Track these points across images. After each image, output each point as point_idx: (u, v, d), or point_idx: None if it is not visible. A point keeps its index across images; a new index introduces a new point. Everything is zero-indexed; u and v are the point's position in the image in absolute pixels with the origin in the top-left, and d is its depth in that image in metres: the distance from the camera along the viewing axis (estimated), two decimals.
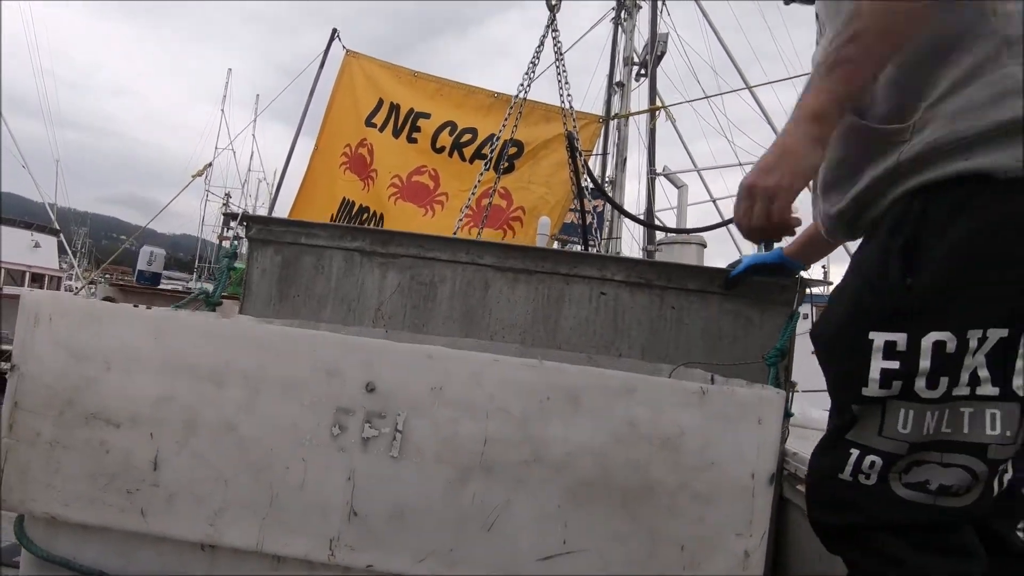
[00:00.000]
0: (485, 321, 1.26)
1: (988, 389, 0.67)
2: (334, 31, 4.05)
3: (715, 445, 0.61)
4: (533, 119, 3.10)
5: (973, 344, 0.67)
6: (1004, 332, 0.67)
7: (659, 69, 9.44)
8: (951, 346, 0.67)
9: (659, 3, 8.05)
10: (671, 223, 6.92)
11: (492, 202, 2.73)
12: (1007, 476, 0.71)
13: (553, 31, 2.20)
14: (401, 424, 0.64)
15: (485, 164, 3.07)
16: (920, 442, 0.68)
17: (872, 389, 0.69)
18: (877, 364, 0.69)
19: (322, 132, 3.94)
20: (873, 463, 0.69)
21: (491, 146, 3.33)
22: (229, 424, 0.65)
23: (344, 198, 3.84)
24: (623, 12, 9.56)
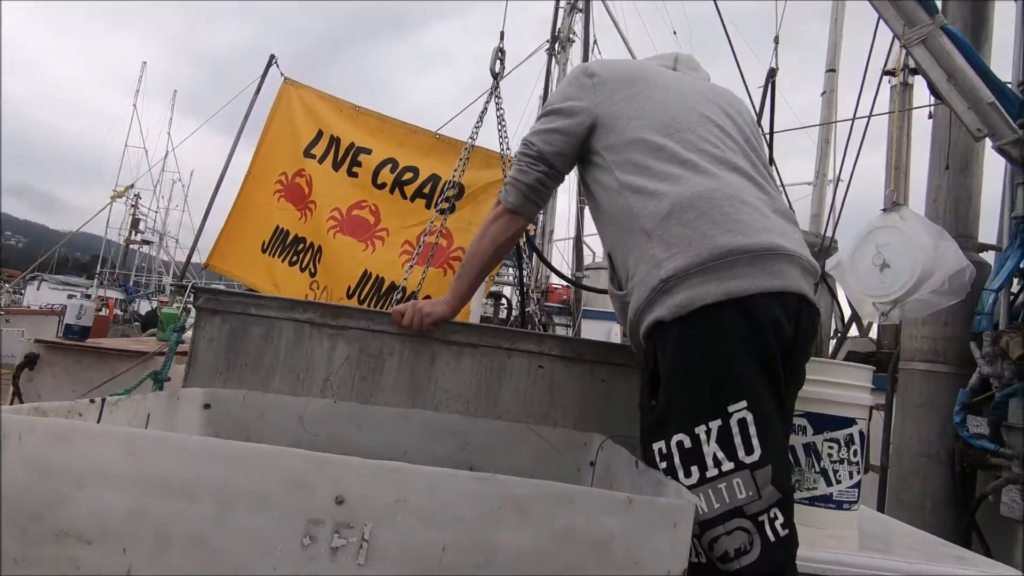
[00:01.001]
0: (431, 391, 1.34)
1: (727, 465, 0.93)
2: (272, 57, 4.00)
3: (638, 547, 0.72)
4: (475, 163, 3.20)
5: (703, 437, 0.94)
6: (719, 422, 0.94)
7: None
8: (687, 442, 0.95)
9: (591, 42, 8.44)
10: (598, 247, 7.22)
11: (437, 242, 2.80)
12: (778, 523, 0.94)
13: (496, 98, 2.32)
14: (368, 534, 0.71)
15: (438, 206, 3.14)
16: (705, 520, 0.92)
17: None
18: (659, 466, 0.98)
19: (256, 158, 3.87)
20: (695, 543, 0.92)
21: (432, 185, 3.42)
22: (201, 537, 0.69)
23: (278, 226, 3.78)
24: (557, 45, 9.91)
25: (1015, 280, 2.35)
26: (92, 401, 0.92)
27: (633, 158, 1.12)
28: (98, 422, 0.93)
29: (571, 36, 10.96)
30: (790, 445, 1.33)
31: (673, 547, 0.72)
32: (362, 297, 3.40)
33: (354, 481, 0.72)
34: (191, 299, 1.31)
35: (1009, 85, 2.39)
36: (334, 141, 3.64)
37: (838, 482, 1.31)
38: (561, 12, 9.14)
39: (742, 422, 0.94)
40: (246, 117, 4.02)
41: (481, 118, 2.38)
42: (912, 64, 2.79)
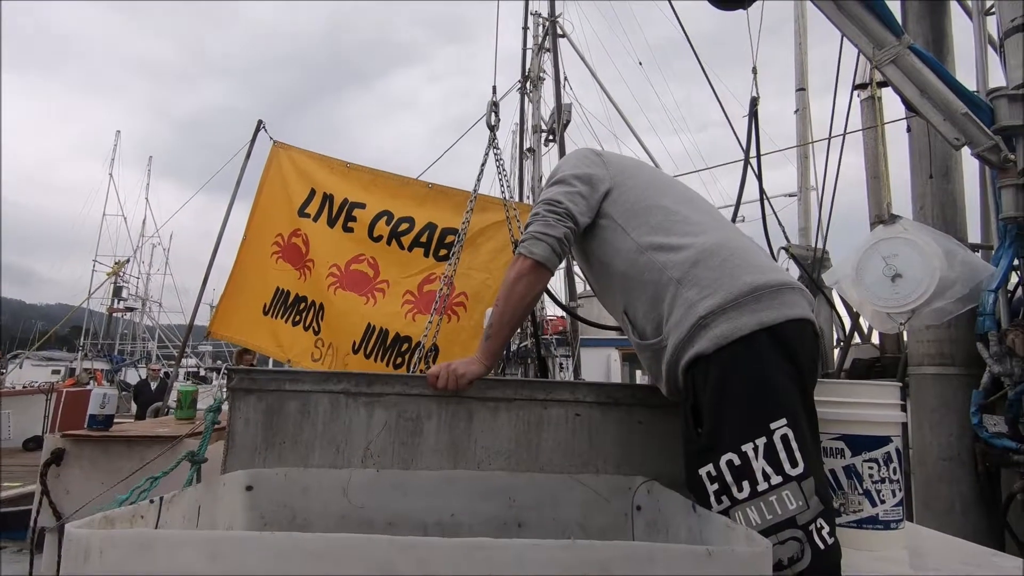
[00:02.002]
0: (471, 451, 1.34)
1: (775, 479, 1.02)
2: (260, 123, 4.08)
3: None
4: (482, 212, 3.25)
5: (751, 454, 1.03)
6: (764, 439, 1.03)
7: (566, 135, 10.04)
8: (737, 460, 1.04)
9: (562, 78, 8.69)
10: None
11: (442, 292, 2.82)
12: (825, 532, 1.01)
13: (495, 149, 2.39)
14: None
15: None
16: (759, 531, 0.94)
17: (716, 507, 1.05)
18: (710, 489, 1.06)
19: (251, 222, 3.90)
20: None
21: (428, 234, 3.46)
22: None
23: (278, 287, 3.79)
24: (528, 83, 10.18)
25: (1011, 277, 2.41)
26: (151, 501, 0.91)
27: (651, 221, 1.28)
28: (157, 521, 0.92)
29: (541, 75, 11.27)
30: (831, 468, 1.34)
31: None
32: (368, 351, 3.39)
33: (440, 562, 0.72)
34: (224, 380, 1.30)
35: (977, 94, 2.51)
36: (327, 198, 3.68)
37: (882, 502, 1.32)
38: (530, 54, 9.42)
39: (784, 438, 1.03)
40: (238, 182, 4.07)
41: (482, 169, 2.43)
42: (880, 78, 2.91)
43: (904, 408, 1.41)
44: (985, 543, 1.77)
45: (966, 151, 2.49)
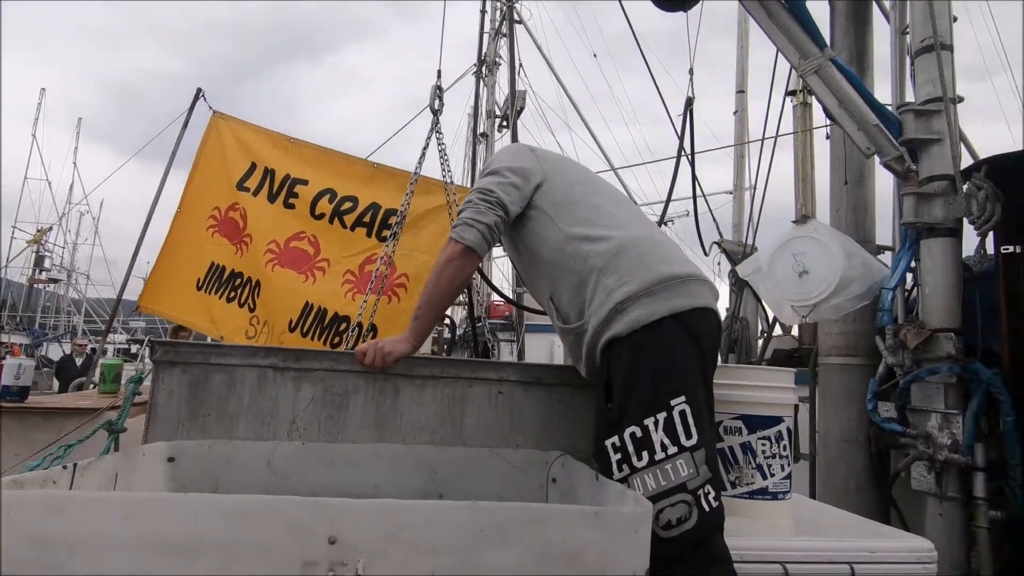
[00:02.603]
0: (397, 425, 1.39)
1: (671, 449, 1.14)
2: (199, 91, 3.93)
3: (608, 553, 0.82)
4: (416, 190, 3.26)
5: (651, 427, 1.15)
6: (664, 414, 1.15)
7: (519, 122, 10.08)
8: (639, 432, 1.15)
9: (517, 65, 8.70)
10: None
11: (379, 271, 2.83)
12: (711, 496, 1.14)
13: (438, 133, 2.41)
14: (361, 568, 0.77)
15: (380, 235, 3.16)
16: (653, 495, 1.12)
17: (617, 475, 1.16)
18: (613, 458, 1.17)
19: (186, 194, 3.77)
20: None
21: (372, 214, 3.44)
22: None
23: (213, 262, 3.69)
24: (484, 68, 10.13)
25: (908, 278, 2.65)
26: (65, 467, 0.92)
27: (577, 214, 1.37)
28: (71, 486, 0.93)
29: (497, 60, 11.22)
30: (729, 445, 1.48)
31: (637, 549, 0.82)
32: (305, 329, 3.36)
33: (348, 521, 0.77)
34: (148, 352, 1.30)
35: (890, 107, 2.71)
36: (268, 173, 3.60)
37: (772, 475, 1.46)
38: (486, 37, 9.36)
39: (683, 413, 1.16)
40: (174, 152, 3.93)
41: (424, 152, 2.45)
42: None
43: (810, 393, 1.56)
44: (873, 517, 1.97)
45: (879, 162, 2.70)
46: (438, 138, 2.42)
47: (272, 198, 3.58)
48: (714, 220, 4.20)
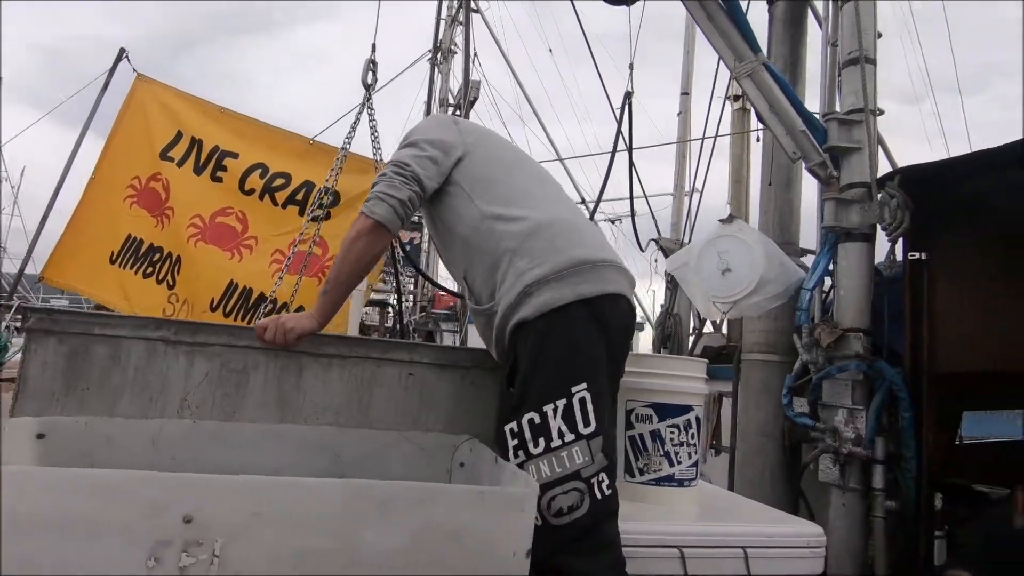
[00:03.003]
0: (300, 405, 1.33)
1: (568, 436, 1.12)
2: (121, 51, 3.67)
3: (491, 533, 0.80)
4: (350, 170, 3.15)
5: (550, 414, 1.13)
6: (564, 401, 1.13)
7: (473, 112, 9.98)
8: (537, 419, 1.13)
9: (472, 54, 8.60)
10: None
11: (311, 251, 2.72)
12: (604, 484, 1.13)
13: (369, 109, 2.32)
14: (219, 549, 0.71)
15: (310, 212, 3.04)
16: (546, 483, 1.09)
17: (513, 461, 1.13)
18: (510, 443, 1.15)
19: (102, 161, 3.52)
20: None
21: (305, 192, 3.32)
22: (35, 567, 0.66)
23: (129, 235, 3.46)
24: (439, 55, 9.98)
25: (826, 280, 2.77)
26: None
27: (494, 192, 1.33)
28: None
29: (452, 48, 11.07)
30: (640, 433, 1.49)
31: (520, 529, 0.80)
32: (228, 310, 3.21)
33: (206, 499, 0.72)
34: (19, 320, 1.19)
35: (817, 115, 2.82)
36: (196, 143, 3.41)
37: (679, 463, 1.49)
38: (443, 24, 9.22)
39: (582, 400, 1.14)
40: (91, 116, 3.66)
41: (354, 128, 2.36)
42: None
43: (733, 388, 1.59)
44: (784, 508, 2.05)
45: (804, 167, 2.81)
46: (369, 114, 2.34)
47: (199, 170, 3.40)
48: (653, 218, 4.29)
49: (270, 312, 2.61)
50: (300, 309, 3.00)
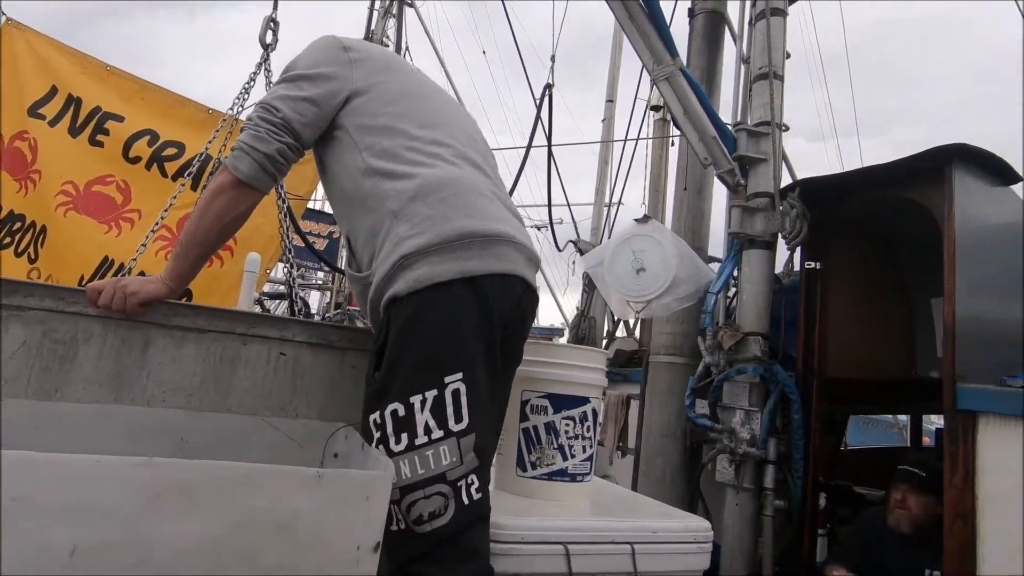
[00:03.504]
0: (141, 384, 1.14)
1: (436, 433, 0.97)
2: None
3: (327, 524, 0.68)
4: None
5: (417, 406, 0.97)
6: (435, 392, 0.98)
7: None
8: (401, 411, 0.98)
9: (404, 47, 8.39)
10: None
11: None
12: (473, 487, 1.00)
13: (266, 69, 2.14)
14: None
15: (192, 183, 2.78)
16: (406, 485, 0.95)
17: None
18: (374, 436, 1.00)
19: None
20: (394, 510, 0.95)
21: (200, 165, 3.03)
22: None
23: None
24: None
25: (730, 285, 2.84)
26: None
27: (385, 144, 1.13)
28: None
29: (384, 40, 10.78)
30: (534, 425, 1.41)
31: (366, 520, 0.69)
32: None
33: None
34: None
35: (729, 126, 2.91)
36: (73, 101, 3.04)
37: (573, 456, 1.42)
38: (375, 15, 8.94)
39: (456, 392, 0.99)
40: None
41: (247, 89, 2.16)
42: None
43: (640, 390, 1.54)
44: (682, 508, 2.04)
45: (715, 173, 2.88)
46: (267, 76, 2.14)
47: (75, 132, 3.03)
48: (573, 221, 4.29)
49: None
50: (188, 291, 2.72)
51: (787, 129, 2.97)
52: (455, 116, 1.25)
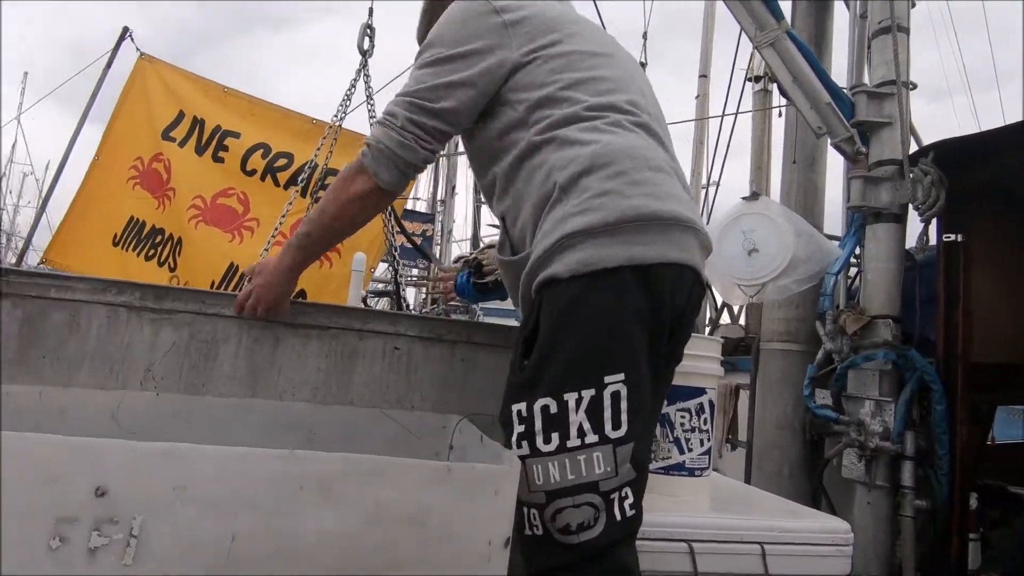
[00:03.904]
0: (273, 380, 1.22)
1: (591, 438, 0.87)
2: (125, 30, 3.61)
3: (456, 518, 0.68)
4: (349, 149, 3.06)
5: (572, 404, 0.87)
6: (592, 391, 0.88)
7: None
8: (553, 407, 0.87)
9: None
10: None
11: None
12: (627, 502, 0.89)
13: (365, 75, 2.22)
14: (136, 528, 0.61)
15: (302, 191, 2.96)
16: (554, 490, 0.86)
17: (515, 451, 0.88)
18: (516, 429, 0.90)
19: (105, 142, 3.47)
20: (533, 515, 0.88)
21: (308, 173, 3.22)
22: None
23: (132, 216, 3.41)
24: None
25: (850, 264, 2.60)
26: None
27: (556, 115, 0.99)
28: None
29: None
30: None
31: (495, 514, 0.68)
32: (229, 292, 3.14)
33: (121, 469, 0.61)
34: None
35: (844, 90, 2.65)
36: (197, 123, 3.34)
37: (690, 450, 1.36)
38: None
39: (615, 395, 0.88)
40: (94, 95, 3.61)
41: (349, 97, 2.26)
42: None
43: (741, 373, 1.45)
44: (801, 502, 1.90)
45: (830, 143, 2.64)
46: (366, 82, 2.23)
47: (200, 150, 3.33)
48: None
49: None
50: (302, 292, 2.91)
51: (915, 87, 2.66)
52: (632, 75, 1.09)
